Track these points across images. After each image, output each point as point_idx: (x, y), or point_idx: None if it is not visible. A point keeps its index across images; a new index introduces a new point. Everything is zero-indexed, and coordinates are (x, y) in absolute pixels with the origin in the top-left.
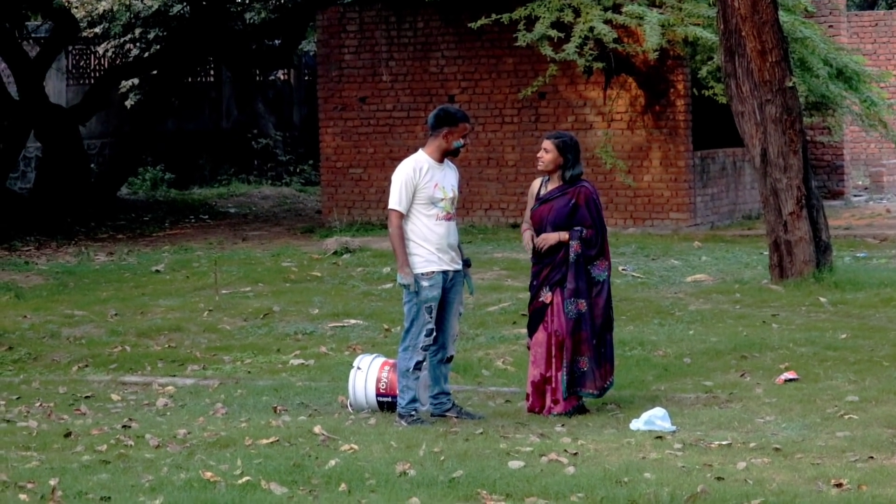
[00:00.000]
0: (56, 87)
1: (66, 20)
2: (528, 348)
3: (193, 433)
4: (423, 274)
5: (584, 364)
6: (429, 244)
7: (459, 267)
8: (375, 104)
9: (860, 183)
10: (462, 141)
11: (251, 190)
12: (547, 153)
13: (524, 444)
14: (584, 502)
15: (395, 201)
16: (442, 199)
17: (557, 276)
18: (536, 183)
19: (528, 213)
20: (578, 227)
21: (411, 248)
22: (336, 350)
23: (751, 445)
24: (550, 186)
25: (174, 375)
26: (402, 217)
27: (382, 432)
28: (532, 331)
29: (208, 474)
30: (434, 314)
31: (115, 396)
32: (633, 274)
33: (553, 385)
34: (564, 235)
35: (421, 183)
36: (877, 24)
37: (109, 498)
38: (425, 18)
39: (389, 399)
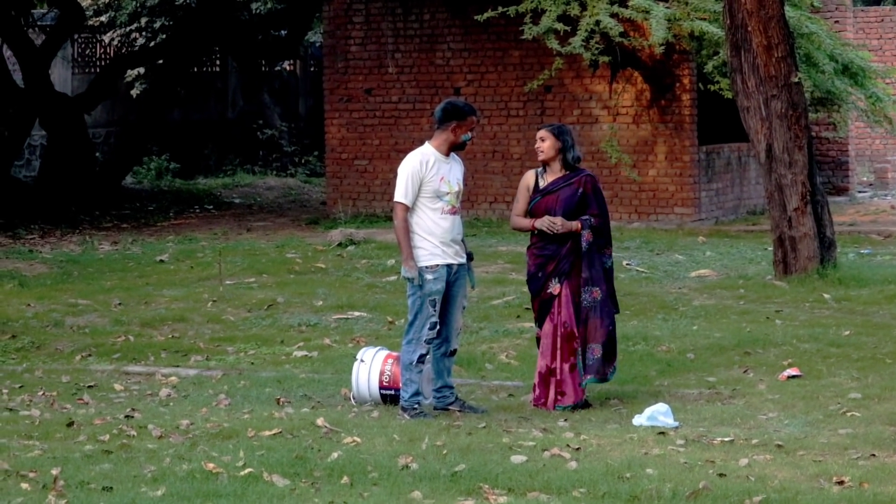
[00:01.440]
0: (61, 76)
1: (72, 8)
2: (538, 338)
3: (196, 424)
4: (427, 267)
5: (596, 351)
6: (433, 237)
7: (464, 260)
8: (381, 96)
9: (865, 179)
10: (469, 134)
11: (256, 180)
12: (544, 141)
13: (527, 438)
14: (586, 498)
15: (401, 194)
16: (447, 193)
17: (566, 267)
18: (530, 176)
19: (519, 207)
20: (587, 217)
21: (416, 241)
22: (340, 342)
23: (753, 442)
24: (550, 178)
25: (177, 366)
26: (408, 210)
27: (385, 425)
28: (540, 322)
29: (210, 465)
30: (438, 307)
31: (118, 386)
32: (638, 268)
33: (558, 377)
34: (577, 225)
35: (427, 176)
36: (883, 20)
37: (111, 488)
38: (431, 10)
39: (392, 392)
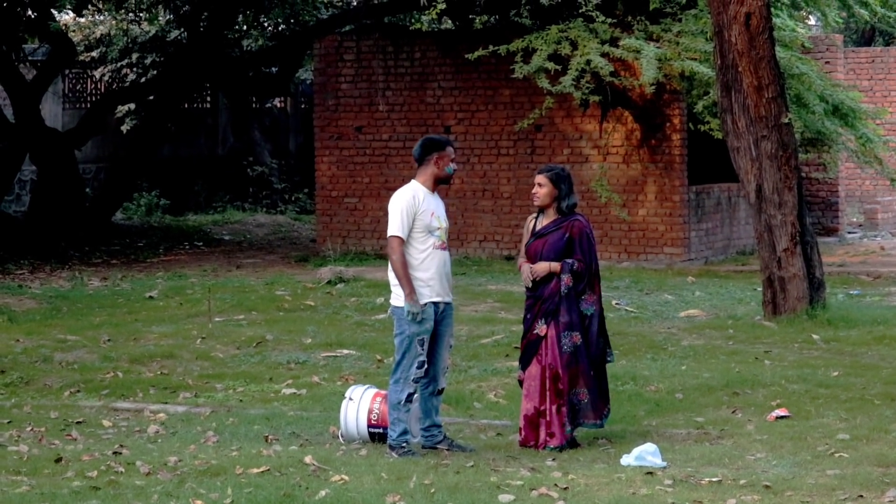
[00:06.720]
0: (52, 111)
1: (64, 44)
2: (520, 381)
3: (184, 461)
4: None
5: (583, 396)
6: (424, 273)
7: (451, 299)
8: (371, 134)
9: (855, 220)
10: (453, 166)
11: (246, 217)
12: (542, 187)
13: (515, 477)
14: None
15: (397, 227)
16: (438, 228)
17: (551, 308)
18: (530, 220)
19: (523, 248)
20: (570, 260)
21: None
22: (328, 380)
23: (741, 482)
24: (545, 221)
25: (166, 402)
26: (403, 243)
27: (373, 464)
28: (525, 364)
29: (198, 503)
30: (426, 346)
31: (106, 422)
32: (627, 308)
33: (548, 418)
34: (556, 266)
35: (419, 210)
36: (873, 61)
37: None
38: (422, 49)
39: (381, 430)
